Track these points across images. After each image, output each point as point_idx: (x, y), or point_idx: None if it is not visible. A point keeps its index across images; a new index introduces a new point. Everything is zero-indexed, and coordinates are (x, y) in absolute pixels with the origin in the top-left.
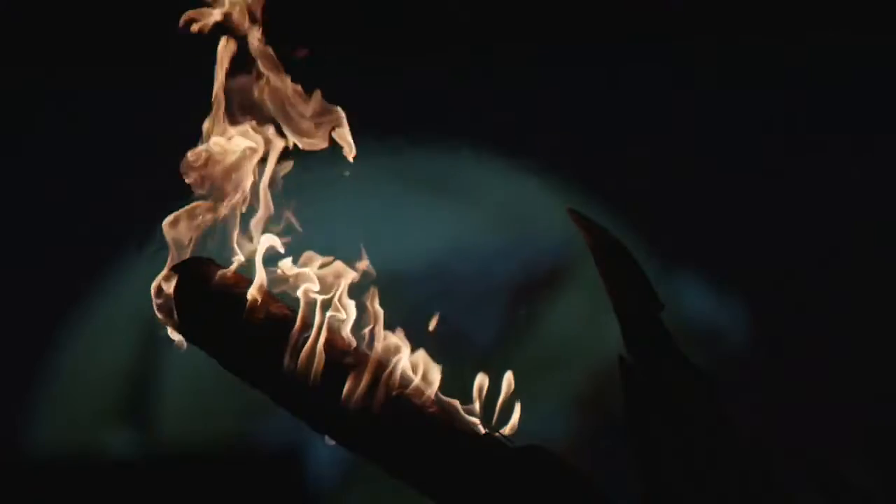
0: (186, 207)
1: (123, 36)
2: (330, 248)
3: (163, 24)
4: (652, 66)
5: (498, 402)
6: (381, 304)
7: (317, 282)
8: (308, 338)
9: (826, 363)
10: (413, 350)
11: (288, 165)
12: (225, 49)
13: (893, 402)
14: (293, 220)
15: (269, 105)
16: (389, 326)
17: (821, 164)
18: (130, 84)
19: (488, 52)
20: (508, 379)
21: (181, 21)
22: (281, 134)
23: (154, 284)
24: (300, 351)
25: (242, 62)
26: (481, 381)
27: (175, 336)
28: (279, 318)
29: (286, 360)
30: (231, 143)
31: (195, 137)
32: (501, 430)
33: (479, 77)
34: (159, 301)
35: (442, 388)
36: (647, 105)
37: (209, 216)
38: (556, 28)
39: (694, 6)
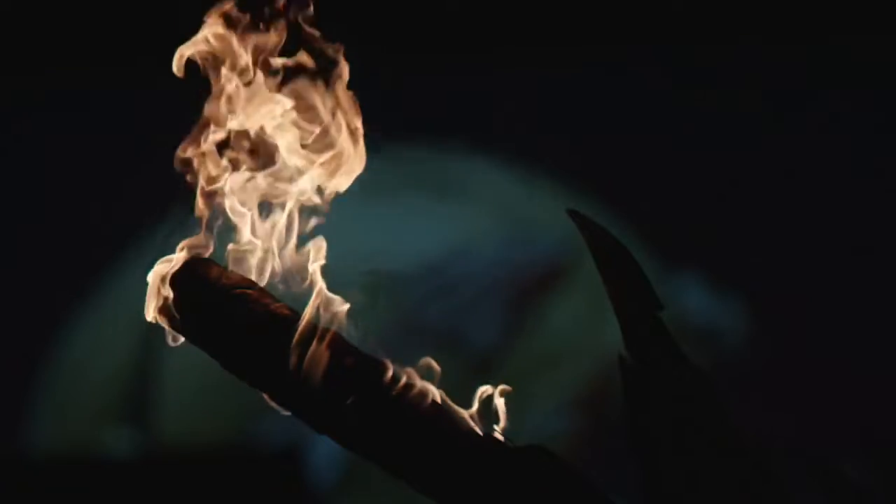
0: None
1: (123, 36)
2: (329, 249)
3: (163, 24)
4: (652, 66)
5: (496, 403)
6: (381, 304)
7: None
8: (309, 338)
9: (826, 363)
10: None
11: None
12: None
13: (893, 402)
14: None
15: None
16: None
17: (821, 164)
18: (130, 84)
19: (488, 52)
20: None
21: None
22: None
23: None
24: (301, 351)
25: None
26: (484, 387)
27: (174, 337)
28: (280, 318)
29: (287, 360)
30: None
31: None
32: (498, 430)
33: (479, 77)
34: (159, 302)
35: (441, 388)
36: (648, 105)
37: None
38: (556, 29)
39: (694, 7)
